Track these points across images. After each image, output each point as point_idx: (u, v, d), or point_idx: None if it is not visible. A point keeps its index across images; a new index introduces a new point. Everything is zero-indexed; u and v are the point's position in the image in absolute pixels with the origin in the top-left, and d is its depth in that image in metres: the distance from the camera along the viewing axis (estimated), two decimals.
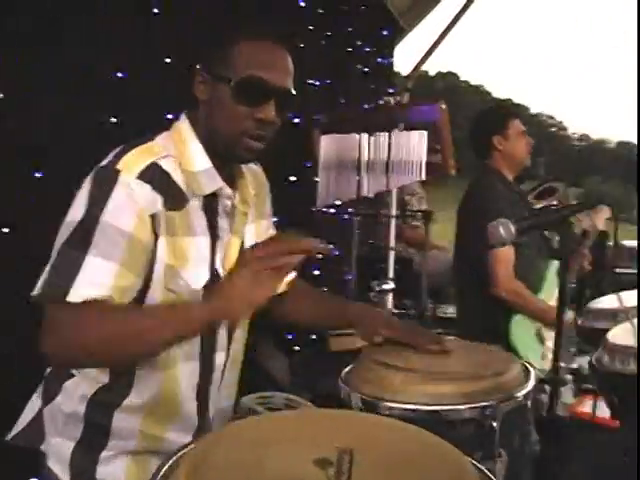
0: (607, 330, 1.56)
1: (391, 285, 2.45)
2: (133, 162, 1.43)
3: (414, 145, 2.08)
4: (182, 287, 1.50)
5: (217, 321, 1.47)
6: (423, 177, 2.02)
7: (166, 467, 1.03)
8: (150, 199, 1.42)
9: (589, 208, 1.84)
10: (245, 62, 1.48)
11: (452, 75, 68.67)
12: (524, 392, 1.52)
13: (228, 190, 1.60)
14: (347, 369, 1.71)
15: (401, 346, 1.71)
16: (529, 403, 1.54)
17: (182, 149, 1.53)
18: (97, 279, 1.35)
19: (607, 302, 1.71)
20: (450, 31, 6.13)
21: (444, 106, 1.86)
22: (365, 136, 2.20)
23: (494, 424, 1.45)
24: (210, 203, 1.57)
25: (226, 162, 1.60)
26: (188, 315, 1.38)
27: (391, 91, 5.87)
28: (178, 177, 1.51)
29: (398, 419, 1.22)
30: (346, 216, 5.71)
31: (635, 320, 1.40)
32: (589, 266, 3.29)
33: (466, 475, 0.95)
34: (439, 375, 1.51)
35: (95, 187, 1.40)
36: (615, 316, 1.55)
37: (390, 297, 2.44)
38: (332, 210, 5.62)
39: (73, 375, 1.55)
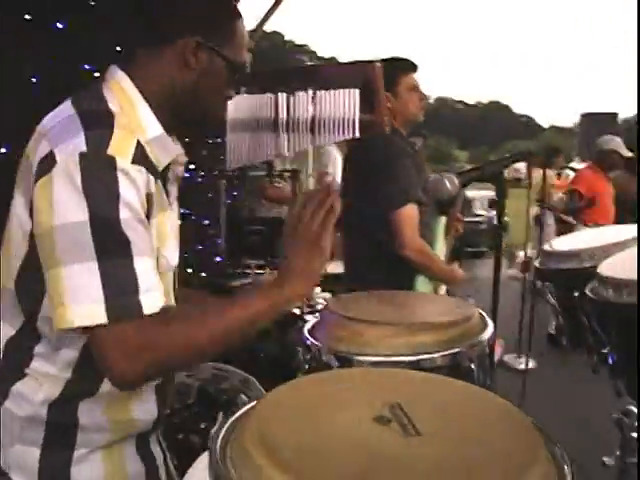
0: (571, 270, 1.66)
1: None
2: (123, 145, 1.27)
3: (346, 103, 2.07)
4: (164, 267, 1.42)
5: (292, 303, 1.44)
6: (357, 135, 2.03)
7: (222, 432, 1.03)
8: (146, 182, 1.30)
9: (519, 161, 1.94)
10: (239, 43, 1.46)
11: (277, 34, 68.38)
12: (489, 335, 1.60)
13: (183, 156, 1.52)
14: (310, 326, 1.72)
15: (365, 300, 1.73)
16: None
17: (130, 113, 1.38)
18: (154, 281, 1.26)
19: (566, 244, 1.80)
20: None
21: (379, 64, 1.87)
22: (284, 95, 2.15)
23: (472, 366, 1.52)
24: (164, 171, 1.45)
25: (175, 129, 1.49)
26: (274, 302, 1.35)
27: None
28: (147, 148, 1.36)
29: None
30: (199, 179, 5.59)
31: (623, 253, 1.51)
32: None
33: (523, 423, 0.99)
34: (417, 326, 1.55)
35: (94, 180, 1.21)
36: (579, 256, 1.65)
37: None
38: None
39: (24, 376, 1.37)
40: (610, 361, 1.42)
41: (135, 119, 1.38)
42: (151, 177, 1.32)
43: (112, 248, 1.20)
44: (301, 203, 1.42)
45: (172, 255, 1.47)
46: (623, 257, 1.51)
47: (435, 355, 1.48)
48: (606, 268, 1.43)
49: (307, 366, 1.64)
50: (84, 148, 1.21)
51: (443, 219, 3.11)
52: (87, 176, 1.20)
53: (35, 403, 1.35)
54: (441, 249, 3.12)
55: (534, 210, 9.30)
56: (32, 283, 1.29)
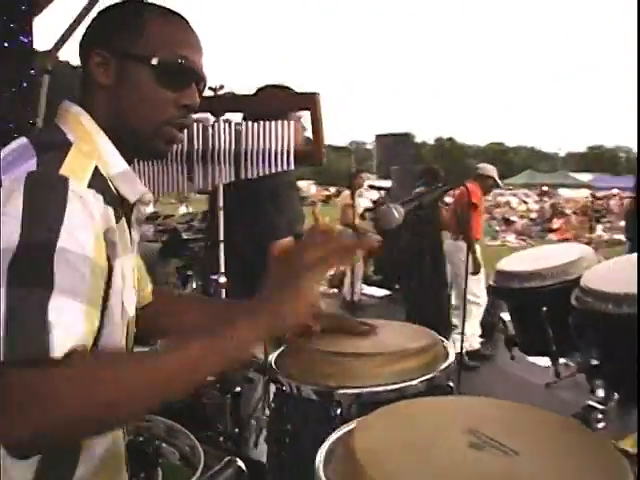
0: (534, 288, 1.82)
1: (224, 279, 2.38)
2: (79, 167, 1.15)
3: (279, 134, 2.06)
4: (124, 315, 1.29)
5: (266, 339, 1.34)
6: (292, 167, 2.03)
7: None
8: (103, 213, 1.16)
9: (452, 189, 2.07)
10: (164, 40, 1.30)
11: None
12: (456, 354, 1.71)
13: (150, 195, 1.38)
14: (274, 363, 1.70)
15: (331, 334, 1.74)
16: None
17: (91, 145, 1.26)
18: (71, 324, 1.00)
19: (524, 265, 1.96)
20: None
21: (319, 96, 1.89)
22: (200, 125, 2.09)
23: (451, 384, 1.61)
24: (128, 210, 1.34)
25: (133, 159, 1.39)
26: (238, 337, 1.16)
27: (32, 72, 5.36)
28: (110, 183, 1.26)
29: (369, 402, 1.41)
30: None
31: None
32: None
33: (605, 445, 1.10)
34: (398, 354, 1.60)
35: (37, 200, 1.05)
36: (542, 275, 1.80)
37: (224, 290, 2.37)
38: None
39: None
40: (592, 363, 1.59)
41: (97, 152, 1.26)
42: (111, 211, 1.19)
43: (30, 278, 1.00)
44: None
45: (131, 302, 1.34)
46: (604, 271, 1.71)
47: (417, 381, 1.54)
48: (594, 282, 1.59)
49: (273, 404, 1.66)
50: (33, 169, 1.09)
51: None
52: (29, 196, 1.05)
53: None
54: None
55: (338, 228, 9.75)
56: None
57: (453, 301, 6.80)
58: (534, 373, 5.22)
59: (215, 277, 2.40)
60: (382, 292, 10.30)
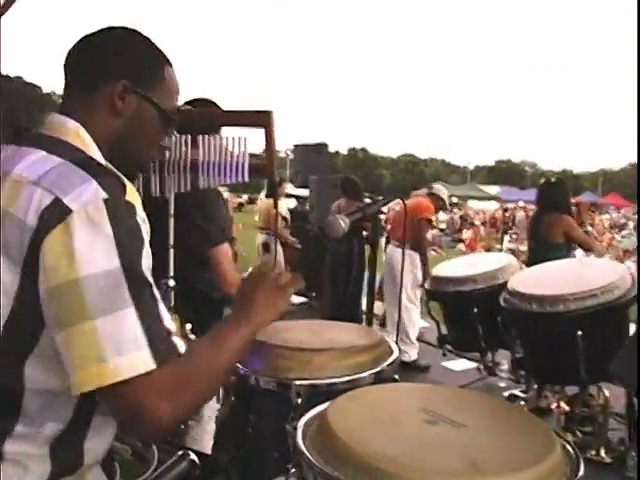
0: (467, 291, 2.04)
1: (173, 282, 2.51)
2: (135, 193, 1.26)
3: (235, 148, 2.21)
4: None
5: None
6: (246, 179, 2.18)
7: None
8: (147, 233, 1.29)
9: (391, 201, 2.27)
10: (169, 89, 1.46)
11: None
12: (397, 350, 1.90)
13: None
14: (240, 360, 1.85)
15: (293, 330, 1.92)
16: None
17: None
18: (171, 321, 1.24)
19: (450, 270, 2.17)
20: None
21: (272, 113, 2.04)
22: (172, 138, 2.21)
23: (396, 377, 1.81)
24: None
25: None
26: (244, 334, 1.37)
27: None
28: None
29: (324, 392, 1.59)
30: None
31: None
32: None
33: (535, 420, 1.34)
34: (351, 349, 1.79)
35: (122, 225, 1.18)
36: (474, 280, 2.02)
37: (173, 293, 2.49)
38: None
39: None
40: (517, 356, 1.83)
41: None
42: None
43: (144, 293, 1.18)
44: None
45: None
46: (528, 276, 1.95)
47: (367, 373, 1.73)
48: (520, 286, 1.83)
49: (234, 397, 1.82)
50: (105, 195, 1.18)
51: None
52: (115, 222, 1.17)
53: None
54: None
55: (261, 238, 9.87)
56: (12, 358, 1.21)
57: (386, 308, 7.04)
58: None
59: (165, 281, 2.52)
60: (299, 299, 10.47)
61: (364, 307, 7.26)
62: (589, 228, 7.98)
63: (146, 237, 1.23)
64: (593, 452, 4.68)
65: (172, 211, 2.48)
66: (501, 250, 16.82)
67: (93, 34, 1.42)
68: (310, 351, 1.76)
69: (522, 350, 1.80)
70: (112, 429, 1.37)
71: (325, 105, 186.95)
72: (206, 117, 2.34)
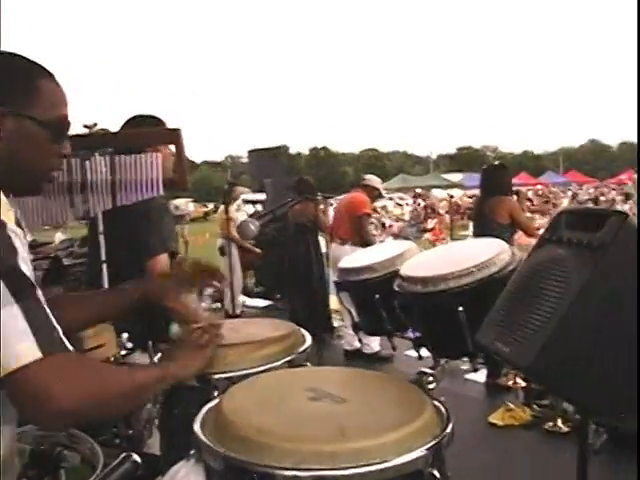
0: (368, 279, 2.20)
1: None
2: (7, 211, 1.35)
3: (149, 165, 2.33)
4: None
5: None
6: (161, 192, 2.30)
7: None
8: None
9: (301, 202, 2.42)
10: (49, 100, 1.49)
11: None
12: (310, 341, 2.04)
13: (29, 235, 1.70)
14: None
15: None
16: None
17: None
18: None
19: (359, 261, 2.32)
20: None
21: (181, 132, 2.17)
22: (77, 160, 2.33)
23: (308, 364, 1.95)
24: None
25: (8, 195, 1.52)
26: (169, 374, 1.57)
27: None
28: None
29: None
30: None
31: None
32: None
33: (410, 386, 1.50)
34: (263, 342, 1.93)
35: None
36: (373, 268, 2.18)
37: None
38: None
39: None
40: (413, 336, 1.99)
41: None
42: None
43: (27, 292, 1.26)
44: None
45: None
46: (419, 260, 2.12)
47: (279, 362, 1.87)
48: (408, 270, 1.99)
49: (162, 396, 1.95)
50: None
51: None
52: None
53: None
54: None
55: (219, 242, 9.96)
56: None
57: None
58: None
59: None
60: (264, 303, 10.62)
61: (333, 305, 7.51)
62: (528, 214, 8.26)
63: (20, 247, 1.30)
64: (551, 424, 4.91)
65: (101, 228, 2.60)
66: (468, 236, 17.02)
67: None
68: (226, 346, 1.90)
69: (419, 329, 1.95)
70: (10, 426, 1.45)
71: (284, 107, 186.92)
72: (124, 138, 2.46)
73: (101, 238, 2.62)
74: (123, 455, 2.15)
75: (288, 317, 7.17)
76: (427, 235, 21.39)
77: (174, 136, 2.27)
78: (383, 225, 23.28)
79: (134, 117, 3.09)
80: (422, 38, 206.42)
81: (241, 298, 9.68)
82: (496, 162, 7.97)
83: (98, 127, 2.44)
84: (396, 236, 21.36)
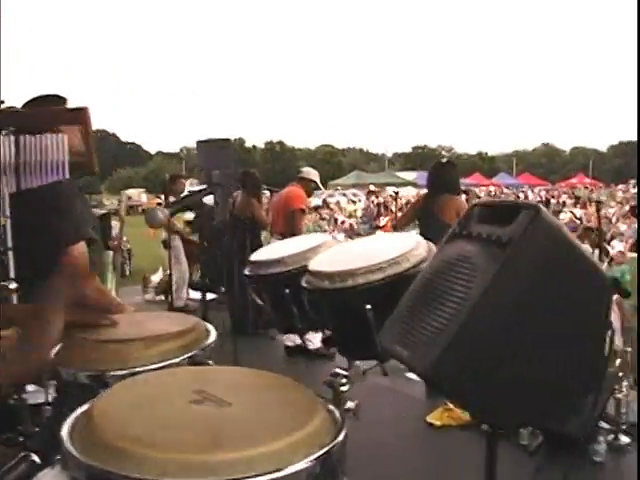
0: (278, 273, 2.08)
1: (14, 285, 2.46)
2: None
3: (54, 146, 2.19)
4: None
5: None
6: (67, 176, 2.16)
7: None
8: None
9: (211, 193, 2.30)
10: None
11: None
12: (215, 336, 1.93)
13: None
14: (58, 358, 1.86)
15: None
16: None
17: None
18: None
19: (270, 254, 2.19)
20: None
21: (88, 111, 2.04)
22: None
23: (210, 362, 1.84)
24: None
25: None
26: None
27: None
28: None
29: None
30: None
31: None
32: None
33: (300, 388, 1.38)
34: (160, 337, 1.81)
35: None
36: (283, 262, 2.06)
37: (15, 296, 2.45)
38: None
39: None
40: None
41: None
42: None
43: None
44: None
45: None
46: (328, 255, 2.00)
47: (178, 359, 1.76)
48: (317, 265, 1.88)
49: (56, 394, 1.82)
50: None
51: (110, 253, 3.30)
52: None
53: None
54: (111, 281, 3.30)
55: (162, 234, 9.80)
56: None
57: None
58: None
59: (5, 283, 2.48)
60: (209, 296, 10.45)
61: None
62: None
63: None
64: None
65: (7, 212, 2.44)
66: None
67: None
68: (119, 342, 1.78)
69: (329, 328, 1.85)
70: None
71: (240, 99, 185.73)
72: (28, 117, 2.32)
73: (8, 222, 2.46)
74: (21, 455, 2.03)
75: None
76: (378, 232, 21.45)
77: (80, 115, 2.14)
78: (335, 221, 23.31)
79: (37, 97, 2.92)
80: (384, 37, 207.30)
81: (185, 291, 9.52)
82: (443, 159, 7.86)
83: (4, 106, 2.29)
84: (348, 232, 21.39)
